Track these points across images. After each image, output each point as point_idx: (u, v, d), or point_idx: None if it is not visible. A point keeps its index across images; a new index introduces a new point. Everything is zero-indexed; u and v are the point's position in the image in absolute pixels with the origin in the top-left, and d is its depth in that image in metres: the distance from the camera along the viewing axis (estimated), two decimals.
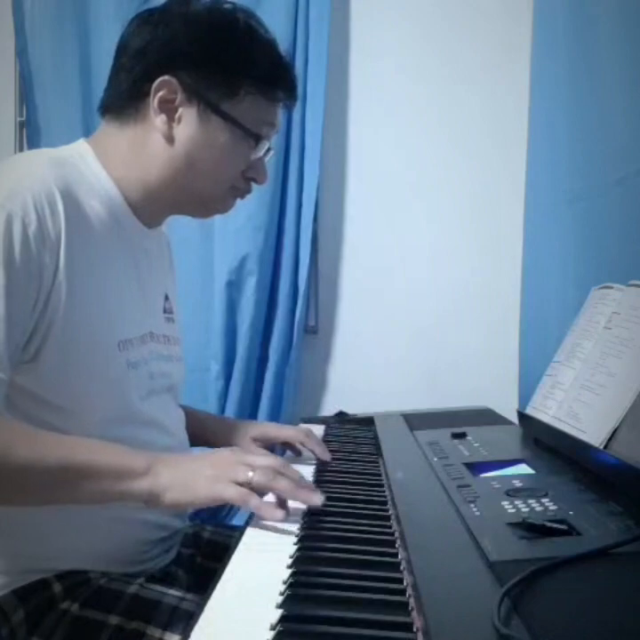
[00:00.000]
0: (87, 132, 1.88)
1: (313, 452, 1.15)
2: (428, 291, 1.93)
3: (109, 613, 0.88)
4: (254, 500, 0.82)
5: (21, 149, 2.08)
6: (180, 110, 0.97)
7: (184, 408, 1.16)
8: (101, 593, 0.91)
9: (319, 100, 1.83)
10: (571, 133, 1.53)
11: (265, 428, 1.24)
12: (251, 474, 0.83)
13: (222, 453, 0.90)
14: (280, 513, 0.84)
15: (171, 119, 0.97)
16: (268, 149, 1.03)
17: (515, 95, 1.83)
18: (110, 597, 0.90)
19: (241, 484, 0.82)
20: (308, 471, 1.10)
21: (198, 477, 0.84)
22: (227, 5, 1.01)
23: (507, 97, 1.87)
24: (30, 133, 1.93)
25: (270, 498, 0.87)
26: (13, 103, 2.07)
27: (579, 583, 0.61)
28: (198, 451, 1.14)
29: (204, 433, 1.19)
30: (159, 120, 0.97)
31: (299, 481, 0.87)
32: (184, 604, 0.89)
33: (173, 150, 0.97)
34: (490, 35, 1.90)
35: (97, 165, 0.98)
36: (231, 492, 0.82)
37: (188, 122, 0.97)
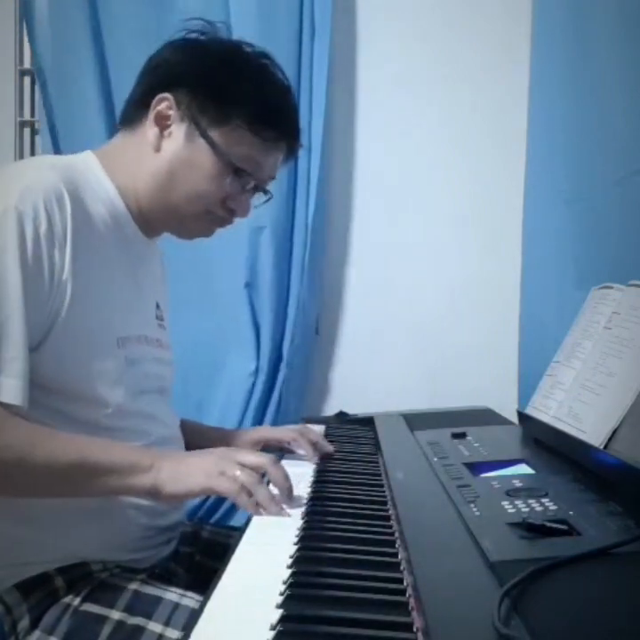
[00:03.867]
0: (108, 134, 1.88)
1: (305, 451, 1.18)
2: (428, 291, 1.93)
3: (111, 608, 0.90)
4: (243, 497, 0.88)
5: (21, 149, 2.08)
6: (172, 126, 1.02)
7: (184, 420, 1.21)
8: (103, 588, 0.93)
9: (321, 100, 1.82)
10: (570, 133, 1.53)
11: (260, 431, 1.28)
12: (238, 472, 0.89)
13: (218, 450, 0.97)
14: (273, 509, 0.89)
15: (162, 133, 1.02)
16: (257, 188, 1.08)
17: (514, 95, 1.83)
18: (112, 592, 0.92)
19: (229, 479, 0.89)
20: (308, 470, 1.10)
21: (194, 471, 0.91)
22: (247, 48, 1.07)
23: (506, 97, 1.87)
24: (53, 136, 1.88)
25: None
26: (13, 103, 2.06)
27: (579, 583, 0.61)
28: None
29: (205, 442, 1.20)
30: (151, 132, 1.02)
31: (284, 483, 0.93)
32: (185, 601, 0.90)
33: (158, 161, 1.02)
34: (490, 35, 1.90)
35: (101, 173, 1.03)
36: (223, 485, 0.89)
37: (176, 138, 1.02)
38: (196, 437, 1.20)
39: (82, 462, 0.89)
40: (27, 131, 2.09)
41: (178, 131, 1.02)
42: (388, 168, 1.94)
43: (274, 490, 0.93)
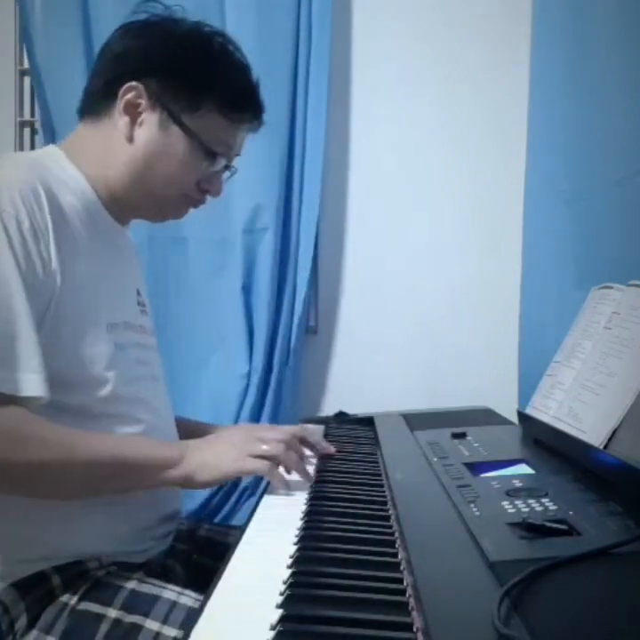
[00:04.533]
0: None
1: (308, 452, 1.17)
2: (428, 290, 1.93)
3: (108, 606, 0.90)
4: (273, 471, 0.97)
5: (21, 149, 2.08)
6: (143, 115, 1.02)
7: (184, 419, 1.24)
8: (100, 586, 0.94)
9: (321, 99, 1.83)
10: (570, 134, 1.53)
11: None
12: (264, 447, 0.98)
13: (237, 432, 1.05)
14: (288, 485, 0.98)
15: (133, 122, 1.02)
16: (227, 167, 1.10)
17: (514, 95, 1.83)
18: (109, 591, 0.93)
19: (258, 457, 0.97)
20: (309, 468, 1.10)
21: (222, 456, 0.97)
22: (206, 28, 1.07)
23: (506, 97, 1.87)
24: (45, 135, 1.90)
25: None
26: (13, 102, 2.06)
27: (579, 583, 0.61)
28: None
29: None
30: (122, 122, 1.02)
31: (302, 455, 1.03)
32: (182, 599, 0.91)
33: (132, 149, 1.03)
34: (490, 35, 1.90)
35: (68, 164, 1.03)
36: (253, 464, 0.97)
37: (149, 127, 1.03)
38: (196, 434, 1.17)
39: (119, 460, 0.93)
40: (27, 131, 2.09)
41: (149, 119, 1.02)
42: (388, 168, 1.95)
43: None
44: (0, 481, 0.88)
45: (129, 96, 1.02)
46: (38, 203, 0.92)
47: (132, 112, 1.02)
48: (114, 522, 0.99)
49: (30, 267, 0.90)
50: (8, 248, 0.88)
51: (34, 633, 0.91)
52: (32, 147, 2.09)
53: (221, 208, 1.79)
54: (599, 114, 1.42)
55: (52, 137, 1.89)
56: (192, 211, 1.14)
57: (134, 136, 1.03)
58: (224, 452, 0.98)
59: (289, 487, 0.99)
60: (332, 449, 1.20)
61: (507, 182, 1.85)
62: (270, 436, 1.00)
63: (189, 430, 1.20)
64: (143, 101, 1.02)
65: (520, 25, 1.81)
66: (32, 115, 2.08)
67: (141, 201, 1.07)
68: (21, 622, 0.91)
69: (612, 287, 1.16)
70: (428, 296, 1.93)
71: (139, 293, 1.14)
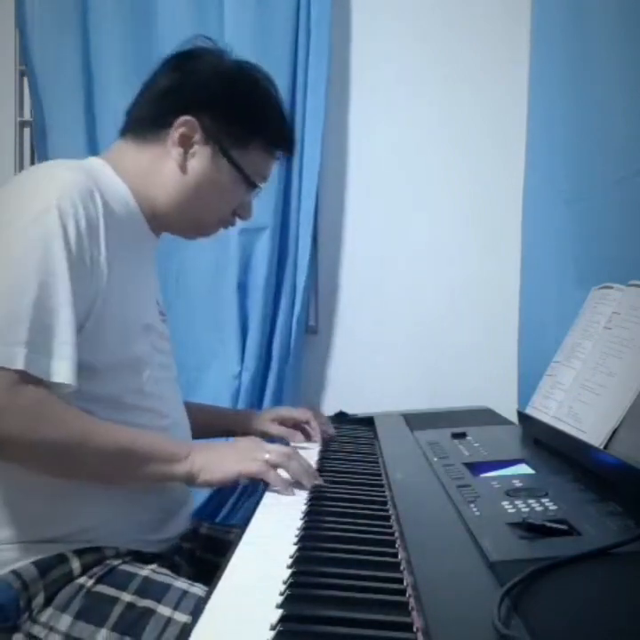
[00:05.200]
0: (91, 131, 1.89)
1: (315, 433, 1.34)
2: (427, 291, 1.93)
3: (123, 591, 0.95)
4: (272, 473, 1.00)
5: (21, 149, 2.07)
6: (196, 147, 1.10)
7: (200, 405, 1.36)
8: (116, 572, 0.98)
9: (320, 100, 1.82)
10: (570, 133, 1.53)
11: (278, 411, 1.41)
12: (267, 455, 1.02)
13: (243, 441, 1.11)
14: (291, 489, 1.00)
15: (186, 152, 1.10)
16: (257, 193, 1.19)
17: (514, 95, 1.83)
18: (124, 577, 0.97)
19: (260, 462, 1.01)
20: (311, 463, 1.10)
21: (225, 459, 1.02)
22: (249, 65, 1.16)
23: (506, 97, 1.87)
24: (37, 134, 1.90)
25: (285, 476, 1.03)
26: (13, 103, 2.06)
27: (579, 583, 0.61)
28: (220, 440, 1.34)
29: (226, 423, 1.38)
30: (175, 151, 1.10)
31: (305, 465, 1.04)
32: (193, 589, 0.95)
33: (184, 179, 1.11)
34: (489, 35, 1.90)
35: (114, 176, 1.10)
36: (254, 466, 1.00)
37: (201, 159, 1.11)
38: (215, 418, 1.37)
39: (130, 449, 0.98)
40: (27, 131, 2.08)
41: (202, 152, 1.10)
42: (388, 167, 1.94)
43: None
44: (21, 457, 0.94)
45: (184, 129, 1.09)
46: (94, 204, 0.99)
47: (186, 144, 1.10)
48: (133, 511, 1.04)
49: (80, 263, 0.96)
50: (63, 243, 0.94)
51: (49, 610, 0.94)
52: (32, 147, 2.08)
53: None
54: (599, 113, 1.42)
55: (43, 136, 1.90)
56: None
57: (188, 167, 1.10)
58: (227, 455, 1.03)
59: (289, 488, 1.00)
60: (333, 431, 1.38)
61: (506, 182, 1.85)
62: (274, 448, 1.05)
63: (213, 415, 1.38)
64: (197, 135, 1.09)
65: (520, 25, 1.81)
66: (32, 115, 2.08)
67: (182, 222, 1.16)
68: (38, 600, 0.95)
69: (612, 287, 1.16)
70: (428, 296, 1.93)
71: (157, 302, 1.20)
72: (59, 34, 1.88)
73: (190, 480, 1.01)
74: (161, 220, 1.14)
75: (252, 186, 1.15)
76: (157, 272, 1.24)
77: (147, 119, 1.12)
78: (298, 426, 1.37)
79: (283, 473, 1.02)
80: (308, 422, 1.37)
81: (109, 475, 1.00)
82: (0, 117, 2.06)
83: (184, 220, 1.15)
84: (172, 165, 1.10)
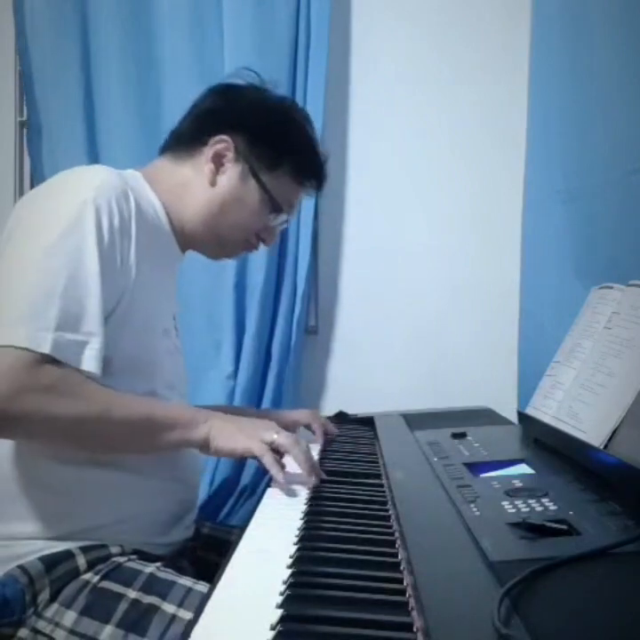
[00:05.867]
0: (89, 132, 1.89)
1: (317, 434, 1.35)
2: (427, 291, 1.93)
3: (128, 587, 0.96)
4: (269, 456, 1.02)
5: (21, 149, 2.07)
6: (228, 165, 1.16)
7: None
8: (121, 569, 0.99)
9: (319, 99, 1.82)
10: (569, 133, 1.53)
11: (278, 414, 1.42)
12: (275, 436, 1.04)
13: (260, 421, 1.12)
14: (282, 475, 1.01)
15: (217, 170, 1.16)
16: (283, 221, 1.24)
17: (514, 95, 1.83)
18: (130, 573, 0.99)
19: (266, 444, 1.03)
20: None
21: (238, 432, 1.04)
22: (290, 101, 1.29)
23: (506, 97, 1.87)
24: (31, 134, 1.92)
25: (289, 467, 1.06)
26: (13, 103, 2.06)
27: (579, 583, 0.61)
28: None
29: None
30: (208, 167, 1.15)
31: (311, 458, 1.06)
32: (197, 587, 0.96)
33: (212, 193, 1.16)
34: (489, 35, 1.90)
35: (148, 188, 1.14)
36: (256, 446, 1.02)
37: (231, 176, 1.16)
38: None
39: (151, 417, 1.01)
40: (26, 131, 2.08)
41: (233, 170, 1.16)
42: (388, 168, 1.94)
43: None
44: (44, 432, 0.96)
45: (219, 147, 1.15)
46: (128, 207, 1.04)
47: (218, 161, 1.16)
48: (144, 512, 1.07)
49: (111, 260, 1.00)
50: (95, 240, 0.97)
51: (54, 606, 0.95)
52: (32, 147, 2.08)
53: None
54: (598, 113, 1.42)
55: (39, 136, 1.90)
56: None
57: (217, 181, 1.16)
58: (242, 428, 1.06)
59: (281, 474, 1.01)
60: (335, 430, 1.40)
61: (506, 182, 1.85)
62: (285, 432, 1.07)
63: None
64: (230, 154, 1.15)
65: (520, 25, 1.81)
66: (27, 115, 2.08)
67: (207, 238, 1.20)
68: (44, 595, 0.96)
69: (612, 287, 1.16)
70: (428, 296, 1.93)
71: (174, 318, 1.22)
72: (57, 35, 1.88)
73: (205, 445, 1.04)
74: (188, 236, 1.18)
75: (276, 209, 1.19)
76: None
77: (185, 137, 1.19)
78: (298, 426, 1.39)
79: (291, 463, 1.05)
80: (308, 425, 1.39)
81: (132, 443, 1.03)
82: (0, 117, 2.06)
83: (208, 235, 1.19)
84: (202, 181, 1.15)
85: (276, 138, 1.17)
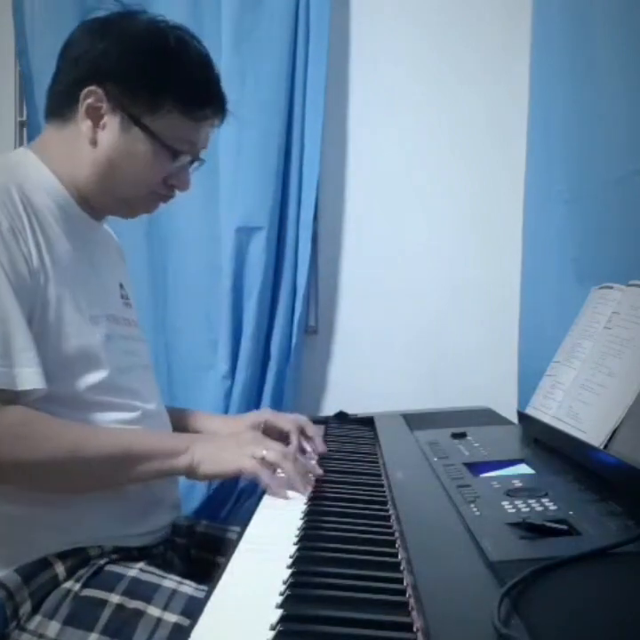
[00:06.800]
0: None
1: (292, 445, 1.21)
2: (427, 291, 1.93)
3: (111, 592, 0.93)
4: (266, 472, 0.98)
5: None
6: (105, 118, 1.04)
7: (182, 409, 1.29)
8: (103, 574, 0.96)
9: (319, 99, 1.82)
10: (570, 133, 1.53)
11: (264, 417, 1.31)
12: (265, 452, 1.00)
13: (245, 434, 1.09)
14: (283, 491, 0.98)
15: (96, 125, 1.04)
16: (193, 161, 1.11)
17: (514, 95, 1.82)
18: (111, 578, 0.95)
19: (257, 459, 0.99)
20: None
21: (224, 453, 1.01)
22: (162, 24, 1.08)
23: (506, 97, 1.87)
24: (31, 133, 1.92)
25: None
26: (13, 103, 2.06)
27: (579, 583, 0.61)
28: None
29: (207, 430, 1.28)
30: (85, 125, 1.04)
31: (301, 469, 1.02)
32: (182, 588, 0.93)
33: (96, 153, 1.05)
34: (490, 35, 1.90)
35: (40, 165, 1.05)
36: (249, 464, 0.99)
37: (111, 129, 1.04)
38: (194, 424, 1.27)
39: (127, 451, 0.98)
40: (26, 131, 2.08)
41: (111, 122, 1.04)
42: (388, 168, 1.94)
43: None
44: (11, 479, 0.93)
45: (90, 100, 1.03)
46: (13, 204, 0.95)
47: (94, 116, 1.04)
48: (113, 504, 1.02)
49: (14, 266, 0.93)
50: None
51: (37, 618, 0.93)
52: None
53: (215, 206, 1.81)
54: (599, 113, 1.42)
55: (37, 135, 1.89)
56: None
57: (98, 139, 1.04)
58: (227, 449, 1.02)
59: (282, 490, 0.98)
60: (324, 449, 1.24)
61: (506, 182, 1.85)
62: (273, 445, 1.03)
63: (195, 420, 1.28)
64: (104, 105, 1.03)
65: (520, 25, 1.81)
66: (27, 116, 2.08)
67: (109, 200, 1.10)
68: (25, 608, 0.93)
69: (612, 287, 1.16)
70: (428, 296, 1.93)
71: (122, 286, 1.16)
72: (57, 35, 1.87)
73: (191, 473, 1.01)
74: (92, 203, 1.09)
75: (174, 153, 1.06)
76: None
77: (59, 96, 1.07)
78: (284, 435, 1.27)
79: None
80: (291, 434, 1.26)
81: (109, 478, 1.00)
82: (0, 117, 2.06)
83: (109, 197, 1.09)
84: (83, 141, 1.04)
85: (144, 74, 1.03)
